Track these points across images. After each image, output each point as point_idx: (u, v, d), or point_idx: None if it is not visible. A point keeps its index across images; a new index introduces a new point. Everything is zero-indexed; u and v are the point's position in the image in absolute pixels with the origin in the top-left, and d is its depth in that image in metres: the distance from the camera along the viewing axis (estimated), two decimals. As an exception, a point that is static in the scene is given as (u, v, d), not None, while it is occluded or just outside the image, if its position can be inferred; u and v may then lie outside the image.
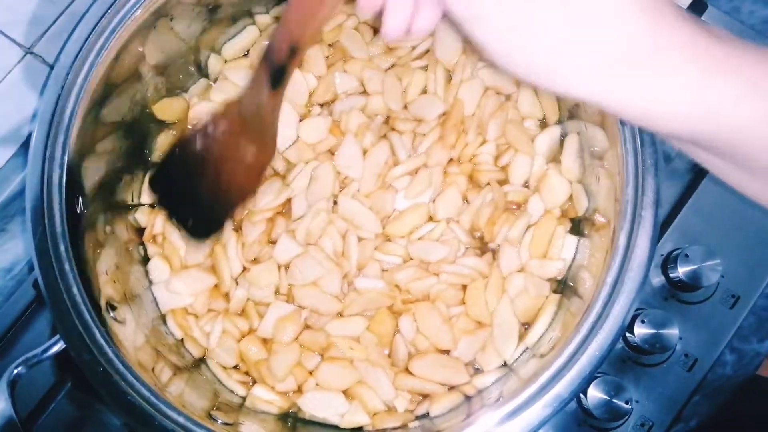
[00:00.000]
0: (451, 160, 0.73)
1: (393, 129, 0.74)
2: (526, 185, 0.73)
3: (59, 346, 0.57)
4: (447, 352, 0.68)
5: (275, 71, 0.43)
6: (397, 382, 0.67)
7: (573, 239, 0.69)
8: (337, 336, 0.68)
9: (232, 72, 0.76)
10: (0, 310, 0.79)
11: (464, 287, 0.70)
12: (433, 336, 0.68)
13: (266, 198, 0.71)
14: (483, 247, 0.72)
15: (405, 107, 0.75)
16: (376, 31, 0.78)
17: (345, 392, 0.67)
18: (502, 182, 0.73)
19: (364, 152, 0.72)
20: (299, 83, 0.75)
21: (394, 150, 0.73)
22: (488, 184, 0.72)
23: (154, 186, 0.61)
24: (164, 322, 0.71)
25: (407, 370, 0.68)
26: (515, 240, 0.70)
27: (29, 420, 0.72)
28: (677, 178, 0.80)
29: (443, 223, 0.71)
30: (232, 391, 0.67)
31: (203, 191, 0.56)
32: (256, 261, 0.71)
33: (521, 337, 0.67)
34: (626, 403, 0.67)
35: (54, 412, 0.73)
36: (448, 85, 0.74)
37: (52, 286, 0.58)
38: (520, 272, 0.69)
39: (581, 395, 0.69)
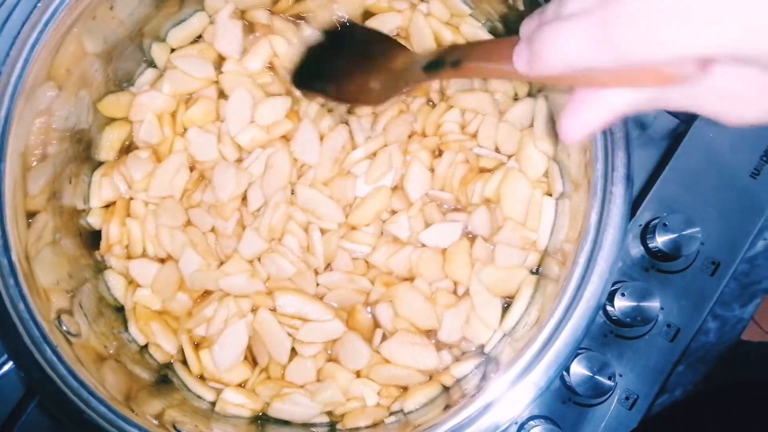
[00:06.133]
0: (413, 135, 0.70)
1: (351, 113, 0.70)
2: (497, 151, 0.70)
3: (10, 365, 0.54)
4: (433, 333, 0.66)
5: (433, 61, 0.46)
6: (371, 374, 0.65)
7: (550, 202, 0.66)
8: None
9: (180, 60, 0.71)
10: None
11: (443, 252, 0.67)
12: (415, 317, 0.65)
13: (228, 188, 0.68)
14: (463, 208, 0.70)
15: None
16: None
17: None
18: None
19: (321, 137, 0.69)
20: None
21: (352, 134, 0.69)
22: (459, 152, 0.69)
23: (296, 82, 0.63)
24: (126, 329, 0.68)
25: (378, 353, 0.66)
26: (491, 197, 0.67)
27: (1, 435, 0.69)
28: (653, 146, 0.77)
29: (419, 202, 0.68)
30: (200, 397, 0.65)
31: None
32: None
33: (499, 325, 0.65)
34: (609, 378, 0.66)
35: (26, 425, 0.71)
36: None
37: (-5, 303, 0.54)
38: (499, 232, 0.67)
39: (564, 372, 0.67)
